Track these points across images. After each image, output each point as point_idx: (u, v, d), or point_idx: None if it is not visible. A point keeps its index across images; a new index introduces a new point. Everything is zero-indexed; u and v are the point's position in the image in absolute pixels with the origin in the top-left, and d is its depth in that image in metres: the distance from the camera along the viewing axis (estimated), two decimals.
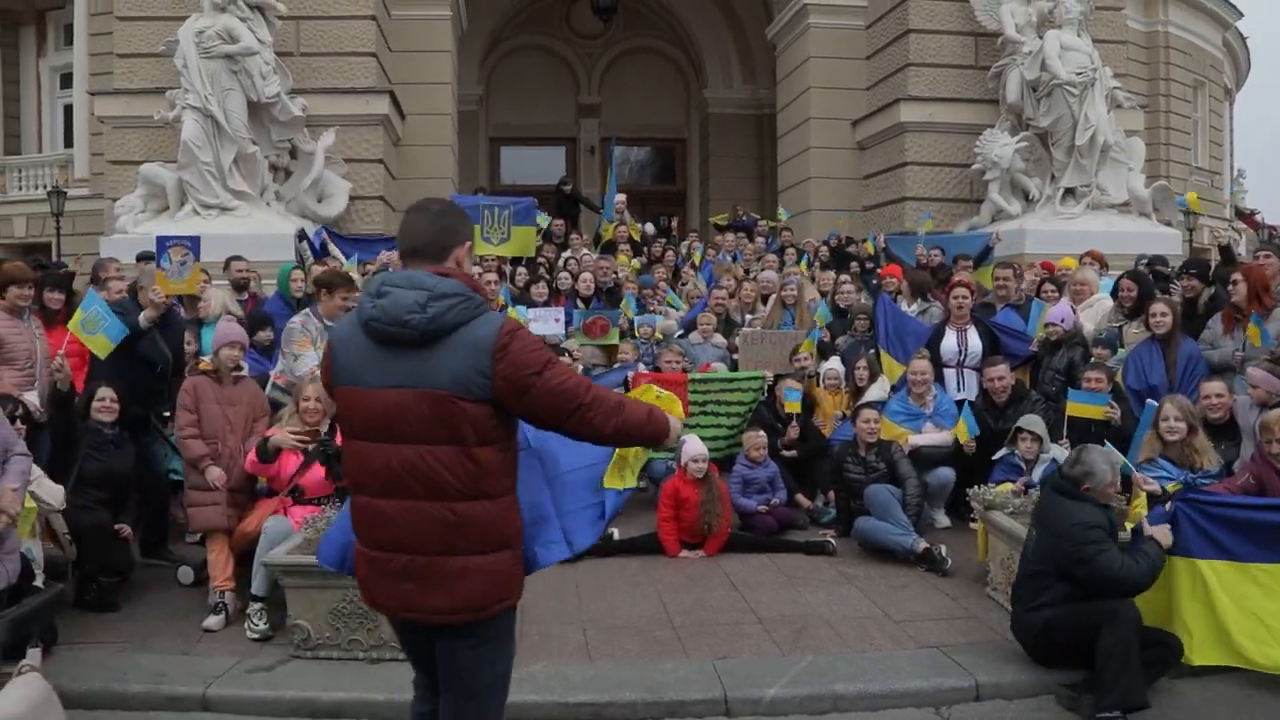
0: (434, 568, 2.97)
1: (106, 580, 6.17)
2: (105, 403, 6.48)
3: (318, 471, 6.03)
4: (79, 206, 18.55)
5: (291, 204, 13.14)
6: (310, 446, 6.05)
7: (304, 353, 6.62)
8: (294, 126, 13.16)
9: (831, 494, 8.08)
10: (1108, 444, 6.31)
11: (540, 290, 10.35)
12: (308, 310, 6.92)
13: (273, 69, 12.69)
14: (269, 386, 6.94)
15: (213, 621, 5.79)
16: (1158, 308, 7.70)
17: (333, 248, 12.35)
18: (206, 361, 6.43)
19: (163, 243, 7.79)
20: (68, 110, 21.05)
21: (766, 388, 8.65)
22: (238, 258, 9.76)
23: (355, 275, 9.67)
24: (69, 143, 21.00)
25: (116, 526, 6.17)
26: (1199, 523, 5.23)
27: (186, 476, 6.26)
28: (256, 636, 5.60)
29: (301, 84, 13.51)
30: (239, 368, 6.45)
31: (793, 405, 8.17)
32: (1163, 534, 5.15)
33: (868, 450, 7.52)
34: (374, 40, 14.19)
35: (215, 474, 6.05)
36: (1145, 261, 11.08)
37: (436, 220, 3.11)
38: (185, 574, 6.45)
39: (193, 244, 7.79)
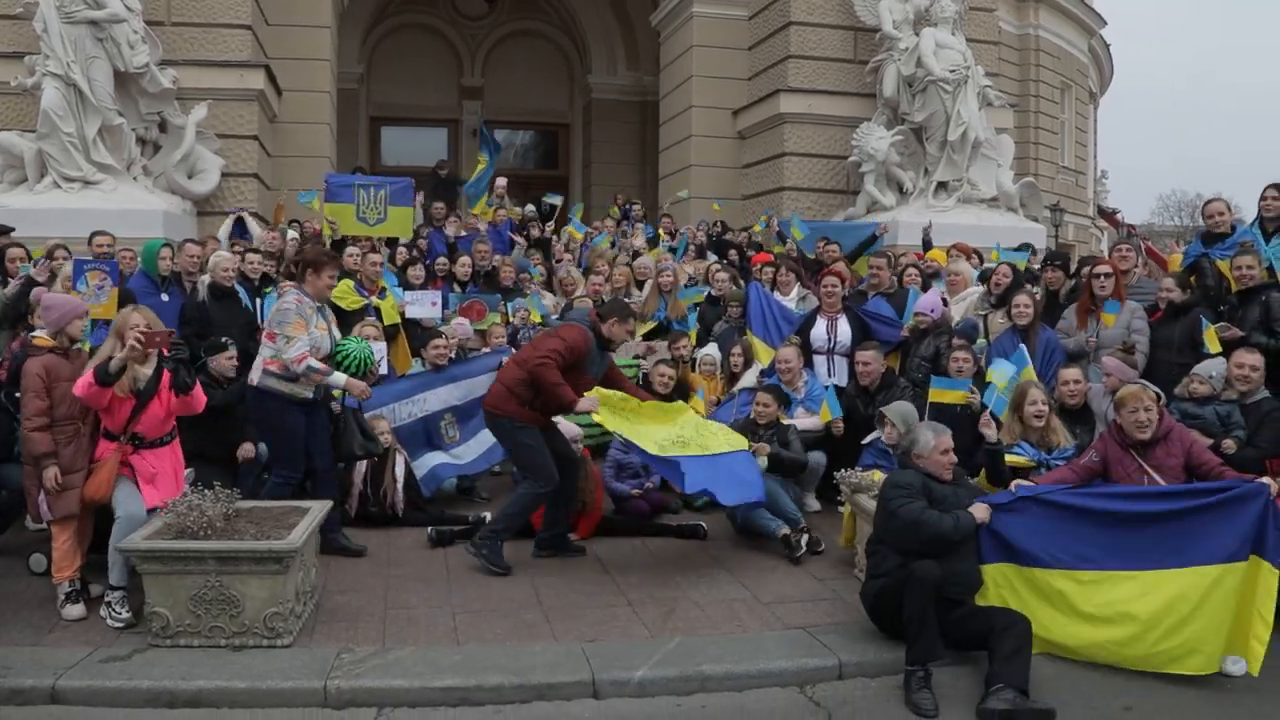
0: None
1: None
2: None
3: (155, 411, 5.72)
4: None
5: (160, 179, 12.66)
6: (169, 351, 5.81)
7: (297, 336, 6.33)
8: (164, 99, 12.67)
9: None
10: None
11: (417, 272, 10.23)
12: (295, 290, 6.57)
13: (141, 38, 12.18)
14: (260, 374, 6.43)
15: (74, 611, 5.57)
16: (1020, 299, 7.99)
17: (226, 226, 11.99)
18: (44, 336, 5.89)
19: (80, 266, 7.59)
20: None
21: (642, 375, 8.71)
22: (101, 232, 9.40)
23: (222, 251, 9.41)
24: None
25: None
26: (1005, 530, 5.49)
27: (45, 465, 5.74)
28: (121, 625, 5.42)
29: (173, 55, 13.01)
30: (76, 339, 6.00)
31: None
32: (981, 511, 5.42)
33: (765, 429, 7.67)
34: (250, 12, 13.74)
35: (50, 475, 5.56)
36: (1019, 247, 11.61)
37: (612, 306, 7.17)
38: (38, 562, 6.19)
39: (111, 268, 7.70)
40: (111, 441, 5.70)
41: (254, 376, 6.48)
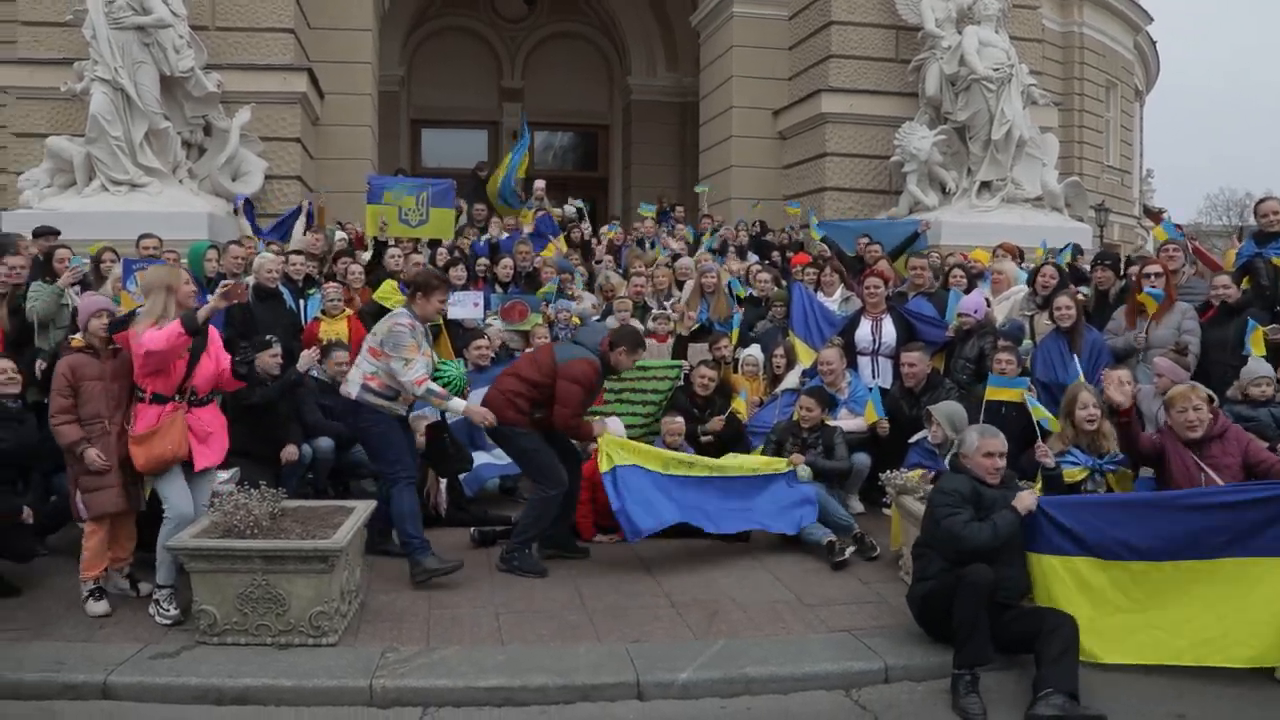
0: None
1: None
2: (7, 374, 6.24)
3: (206, 366, 5.80)
4: None
5: (205, 182, 12.80)
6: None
7: (414, 358, 6.26)
8: (208, 102, 12.81)
9: None
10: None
11: (459, 273, 10.26)
12: (406, 311, 6.45)
13: (186, 42, 12.32)
14: (358, 388, 6.36)
15: (97, 608, 5.64)
16: (1061, 301, 7.87)
17: (242, 221, 12.11)
18: (78, 339, 5.97)
19: (129, 266, 7.70)
20: None
21: (683, 374, 8.69)
22: (148, 235, 9.53)
23: (265, 253, 9.50)
24: None
25: (23, 511, 5.96)
26: (1057, 518, 5.38)
27: (75, 461, 5.80)
28: (169, 622, 5.48)
29: (217, 59, 13.15)
30: (111, 339, 5.94)
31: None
32: (1027, 498, 5.32)
33: (810, 432, 7.66)
34: (293, 16, 13.86)
35: (91, 455, 5.63)
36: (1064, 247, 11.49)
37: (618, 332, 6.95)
38: None
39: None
40: (161, 405, 5.67)
41: (352, 390, 6.37)
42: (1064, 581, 5.35)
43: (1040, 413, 6.58)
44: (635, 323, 9.62)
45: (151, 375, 5.64)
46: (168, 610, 5.53)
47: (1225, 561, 5.19)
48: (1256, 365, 6.92)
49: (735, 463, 7.32)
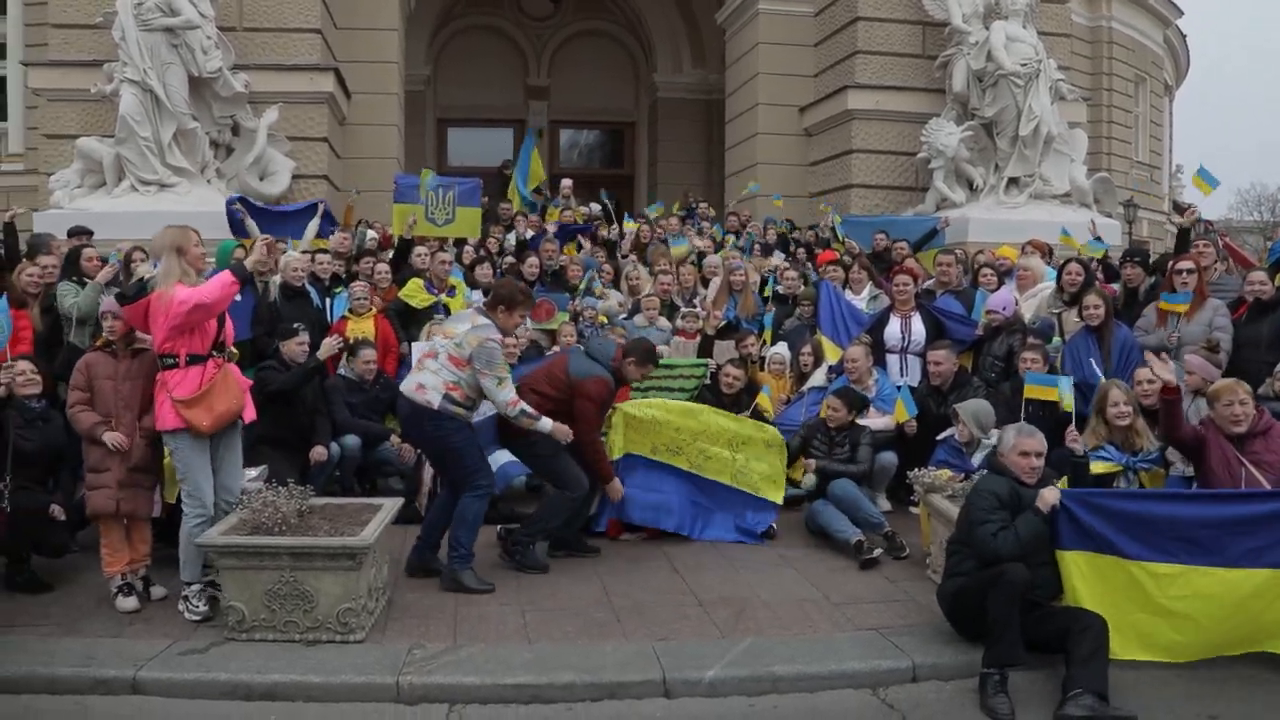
0: None
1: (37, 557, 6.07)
2: (25, 375, 6.23)
3: (229, 322, 5.84)
4: (14, 182, 17.98)
5: (233, 181, 12.86)
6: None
7: (506, 377, 6.24)
8: (236, 103, 12.89)
9: None
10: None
11: (485, 271, 10.28)
12: (492, 325, 6.28)
13: (214, 43, 12.40)
14: (440, 398, 6.13)
15: (127, 604, 5.68)
16: (1090, 299, 7.81)
17: (249, 223, 12.04)
18: (103, 337, 6.07)
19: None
20: (0, 82, 20.44)
21: (710, 373, 8.67)
22: None
23: (292, 252, 9.55)
24: (2, 116, 20.41)
25: (52, 508, 6.00)
26: (1081, 517, 5.28)
27: (86, 456, 5.86)
28: (198, 618, 5.52)
29: (244, 59, 13.23)
30: (132, 339, 5.92)
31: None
32: (1049, 495, 5.21)
33: (837, 432, 7.67)
34: (319, 16, 13.93)
35: (113, 437, 5.67)
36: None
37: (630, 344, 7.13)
38: None
39: None
40: (200, 365, 5.56)
41: (434, 400, 6.16)
42: (1085, 577, 5.28)
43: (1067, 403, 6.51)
44: (663, 320, 9.63)
45: (186, 335, 5.51)
46: (197, 606, 5.56)
47: (1259, 572, 5.11)
48: None
49: (727, 453, 7.46)
